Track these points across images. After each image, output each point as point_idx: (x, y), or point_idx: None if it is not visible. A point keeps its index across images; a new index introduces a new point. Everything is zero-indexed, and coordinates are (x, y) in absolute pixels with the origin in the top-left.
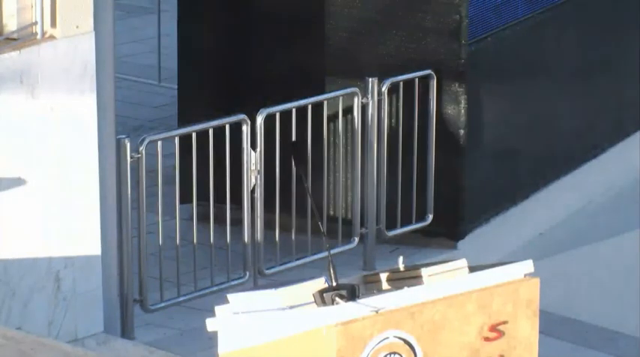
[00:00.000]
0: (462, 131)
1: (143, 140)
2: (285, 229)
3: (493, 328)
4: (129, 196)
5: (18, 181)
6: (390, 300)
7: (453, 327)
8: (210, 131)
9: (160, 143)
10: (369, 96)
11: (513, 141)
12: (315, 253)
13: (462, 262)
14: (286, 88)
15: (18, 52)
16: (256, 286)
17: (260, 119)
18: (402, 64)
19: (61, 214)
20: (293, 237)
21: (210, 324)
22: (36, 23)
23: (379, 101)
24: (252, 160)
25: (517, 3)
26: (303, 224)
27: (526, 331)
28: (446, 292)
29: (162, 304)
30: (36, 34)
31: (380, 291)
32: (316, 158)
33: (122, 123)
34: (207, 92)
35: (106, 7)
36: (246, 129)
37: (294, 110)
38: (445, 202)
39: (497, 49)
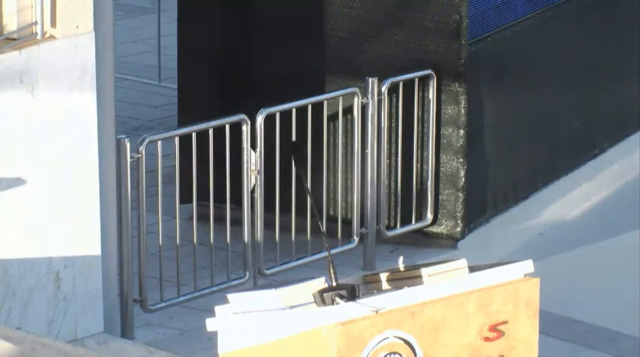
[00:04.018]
0: (462, 131)
1: (143, 140)
2: (285, 229)
3: (493, 328)
4: (129, 196)
5: (18, 181)
6: (390, 300)
7: (453, 327)
8: (210, 131)
9: (159, 143)
10: (369, 96)
11: (513, 141)
12: (315, 253)
13: (462, 262)
14: (286, 88)
15: (18, 52)
16: (256, 286)
17: (260, 119)
18: (402, 64)
19: (61, 214)
20: (293, 237)
21: (210, 324)
22: (36, 23)
23: (379, 101)
24: (252, 160)
25: (517, 3)
26: (303, 224)
27: (526, 331)
28: (446, 292)
29: (162, 304)
30: (36, 34)
31: (380, 291)
32: (316, 158)
33: (122, 123)
34: (207, 92)
35: (106, 7)
36: (246, 129)
37: (294, 110)
38: (445, 201)
39: (497, 49)
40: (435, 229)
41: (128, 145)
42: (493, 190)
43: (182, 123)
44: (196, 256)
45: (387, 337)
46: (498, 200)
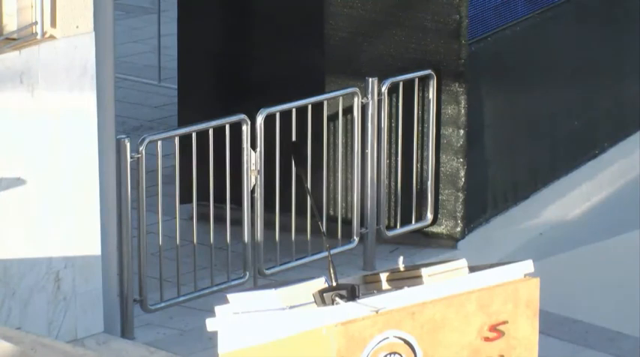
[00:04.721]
0: (462, 131)
1: (143, 140)
2: (285, 229)
3: (493, 328)
4: (129, 196)
5: (18, 181)
6: (390, 300)
7: (453, 327)
8: (210, 131)
9: (159, 143)
10: (369, 96)
11: (513, 141)
12: (315, 253)
13: (462, 262)
14: (286, 88)
15: (18, 52)
16: (256, 286)
17: (260, 119)
18: (402, 64)
19: (61, 214)
20: (293, 237)
21: (210, 324)
22: (36, 23)
23: (379, 101)
24: (252, 160)
25: (517, 3)
26: (303, 224)
27: (526, 331)
28: (446, 292)
29: (163, 304)
30: (36, 34)
31: (380, 291)
32: (316, 158)
33: (122, 123)
34: (207, 92)
35: (106, 7)
36: (246, 129)
37: (294, 110)
38: (445, 201)
39: (497, 49)
40: (435, 229)
41: (128, 145)
42: (493, 190)
43: (182, 123)
44: (196, 256)
45: (387, 337)
46: (498, 200)
